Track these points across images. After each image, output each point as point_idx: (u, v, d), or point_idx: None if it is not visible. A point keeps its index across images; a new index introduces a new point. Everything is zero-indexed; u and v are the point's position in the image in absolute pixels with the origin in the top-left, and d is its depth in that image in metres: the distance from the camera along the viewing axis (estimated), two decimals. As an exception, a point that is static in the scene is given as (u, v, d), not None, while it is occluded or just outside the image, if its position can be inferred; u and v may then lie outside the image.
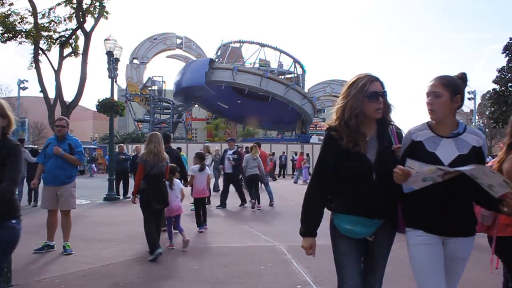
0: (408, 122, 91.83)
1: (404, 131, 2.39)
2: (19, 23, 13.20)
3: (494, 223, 2.62)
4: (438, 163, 2.10)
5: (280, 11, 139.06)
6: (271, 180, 22.12)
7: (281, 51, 41.30)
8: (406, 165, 2.06)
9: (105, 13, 13.48)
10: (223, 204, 10.47)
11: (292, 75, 42.48)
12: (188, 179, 7.77)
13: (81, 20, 13.35)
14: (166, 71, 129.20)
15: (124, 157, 13.29)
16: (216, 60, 41.88)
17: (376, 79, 2.24)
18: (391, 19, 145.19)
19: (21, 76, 67.97)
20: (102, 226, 7.77)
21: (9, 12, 13.06)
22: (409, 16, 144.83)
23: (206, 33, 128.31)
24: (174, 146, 8.81)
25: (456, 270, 2.22)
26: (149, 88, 42.75)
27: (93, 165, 28.07)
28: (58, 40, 13.64)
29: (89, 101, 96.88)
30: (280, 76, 41.17)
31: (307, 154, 23.32)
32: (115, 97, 14.00)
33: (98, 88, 48.79)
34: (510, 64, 27.93)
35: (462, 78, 2.24)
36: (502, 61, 28.55)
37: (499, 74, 28.48)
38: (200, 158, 7.63)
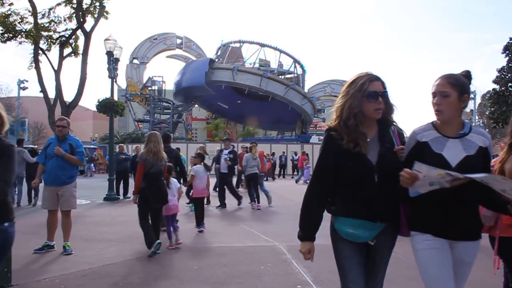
0: (408, 122, 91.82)
1: (404, 131, 2.33)
2: (19, 23, 13.24)
3: (496, 223, 2.61)
4: (445, 164, 2.05)
5: (280, 11, 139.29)
6: (270, 179, 22.17)
7: (281, 51, 41.30)
8: (414, 168, 1.97)
9: (105, 13, 13.52)
10: (222, 204, 10.46)
11: (292, 75, 42.47)
12: (188, 179, 7.75)
13: (81, 20, 13.38)
14: (166, 71, 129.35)
15: (124, 157, 13.28)
16: (216, 60, 41.87)
17: (376, 79, 2.17)
18: (391, 19, 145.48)
19: (21, 76, 68.24)
20: (102, 226, 7.77)
21: (9, 12, 13.11)
22: (409, 16, 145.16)
23: (206, 33, 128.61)
24: (174, 146, 8.80)
25: (464, 273, 2.18)
26: (149, 88, 42.78)
27: (92, 165, 28.05)
28: (58, 40, 13.67)
29: (89, 101, 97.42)
30: (280, 76, 41.16)
31: (307, 154, 23.28)
32: (115, 97, 14.00)
33: (98, 88, 48.87)
34: (510, 64, 27.88)
35: (467, 76, 2.18)
36: (502, 61, 28.51)
37: (499, 74, 28.42)
38: (200, 158, 7.61)
